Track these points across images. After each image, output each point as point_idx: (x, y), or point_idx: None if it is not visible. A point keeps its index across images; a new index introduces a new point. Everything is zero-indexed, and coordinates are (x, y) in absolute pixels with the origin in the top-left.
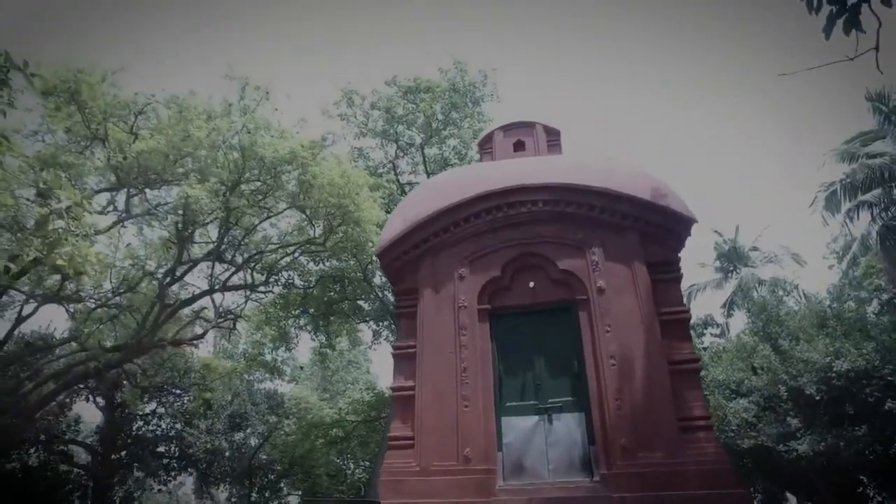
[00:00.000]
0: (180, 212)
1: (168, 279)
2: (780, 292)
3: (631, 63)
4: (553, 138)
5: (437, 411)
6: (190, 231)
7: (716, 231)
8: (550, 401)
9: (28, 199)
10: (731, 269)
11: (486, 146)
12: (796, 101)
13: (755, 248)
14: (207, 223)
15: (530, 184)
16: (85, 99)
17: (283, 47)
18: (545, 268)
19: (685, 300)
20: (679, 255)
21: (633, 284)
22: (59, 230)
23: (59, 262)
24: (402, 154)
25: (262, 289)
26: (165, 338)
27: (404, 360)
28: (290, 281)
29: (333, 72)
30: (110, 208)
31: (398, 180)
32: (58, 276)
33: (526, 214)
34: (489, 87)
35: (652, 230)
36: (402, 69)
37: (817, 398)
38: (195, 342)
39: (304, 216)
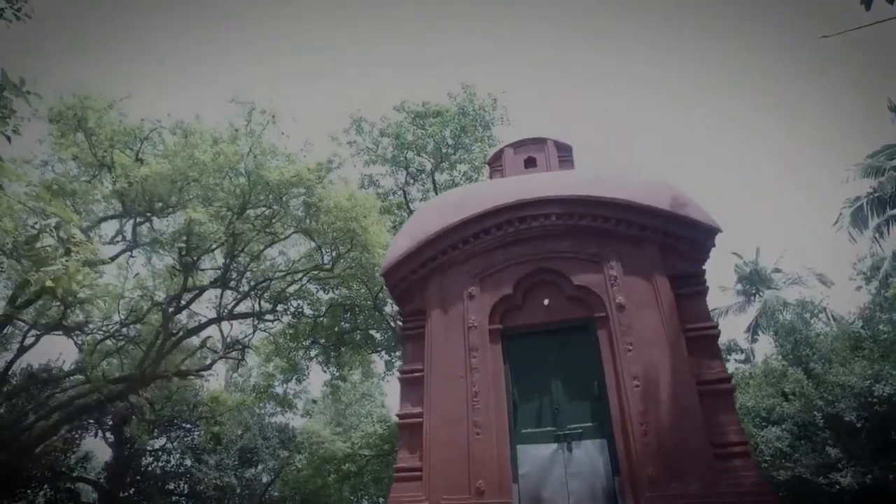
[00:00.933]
0: (184, 237)
1: (173, 307)
2: (807, 315)
3: (631, 63)
4: (564, 154)
5: (447, 439)
6: (195, 258)
7: (735, 253)
8: (569, 427)
9: (32, 226)
10: (754, 292)
11: (496, 164)
12: (795, 101)
13: (777, 270)
14: (213, 249)
15: (542, 197)
16: (92, 126)
17: (284, 47)
18: (560, 284)
19: None
20: (703, 266)
21: (656, 299)
22: (48, 248)
23: (48, 282)
24: (412, 181)
25: (270, 318)
26: (171, 369)
27: (411, 385)
28: (300, 310)
29: (333, 71)
30: (119, 238)
31: (409, 207)
32: (63, 306)
33: (538, 229)
34: (499, 111)
35: (672, 242)
36: (402, 69)
37: (858, 425)
38: (202, 373)
39: (310, 241)
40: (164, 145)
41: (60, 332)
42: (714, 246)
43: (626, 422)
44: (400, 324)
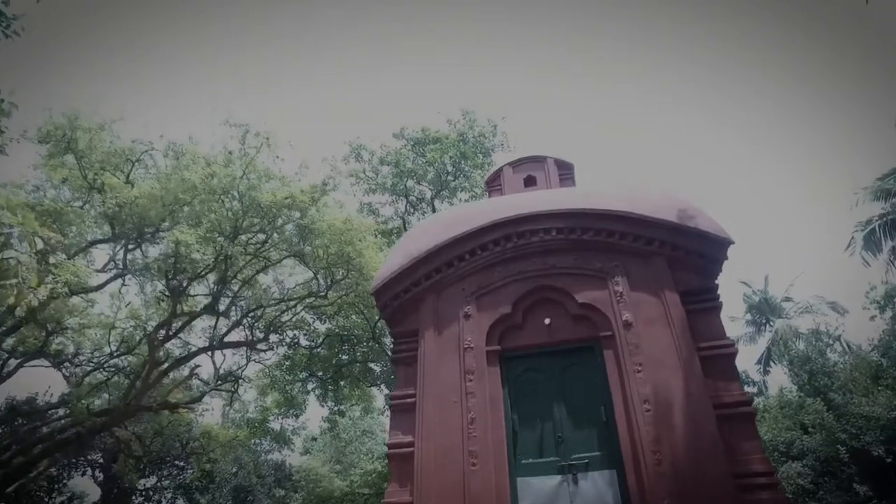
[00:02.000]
0: (171, 259)
1: (160, 335)
2: (822, 344)
3: (637, 81)
4: (566, 172)
5: (441, 471)
6: (184, 284)
7: (743, 282)
8: (575, 456)
9: (16, 250)
10: (764, 321)
11: (495, 183)
12: (806, 118)
13: (788, 299)
14: (203, 274)
15: (542, 211)
16: (82, 148)
17: (282, 68)
18: (562, 302)
19: None
20: (716, 281)
21: (666, 316)
22: (10, 260)
23: (10, 299)
24: (412, 209)
25: (262, 346)
26: (158, 401)
27: (402, 411)
28: (296, 340)
29: (333, 93)
30: (111, 266)
31: None
32: (44, 333)
33: (538, 244)
34: (499, 137)
35: (682, 255)
36: (399, 70)
37: (888, 460)
38: (192, 406)
39: (304, 266)
40: (157, 168)
41: (49, 364)
42: (727, 259)
43: (637, 450)
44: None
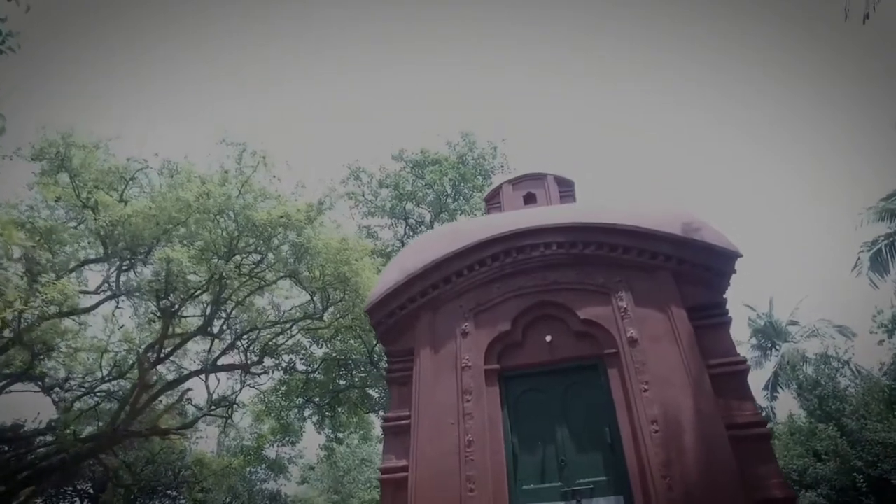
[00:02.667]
0: (161, 276)
1: (152, 357)
2: (829, 369)
3: (639, 95)
4: (566, 189)
5: (436, 497)
6: (176, 305)
7: (748, 305)
8: (579, 482)
9: (5, 269)
10: (770, 345)
11: (494, 201)
12: (810, 138)
13: (794, 322)
14: (196, 295)
15: (542, 225)
16: (76, 166)
17: (282, 87)
18: (564, 319)
19: None
20: (724, 296)
21: (673, 332)
22: None
23: None
24: (411, 232)
25: (257, 370)
26: (147, 426)
27: (396, 434)
28: (292, 365)
29: (334, 70)
30: (104, 287)
31: None
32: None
33: (538, 259)
34: (499, 159)
35: (688, 269)
36: (400, 70)
37: None
38: (184, 432)
39: (299, 287)
40: (152, 186)
41: (38, 389)
42: (735, 272)
43: (645, 474)
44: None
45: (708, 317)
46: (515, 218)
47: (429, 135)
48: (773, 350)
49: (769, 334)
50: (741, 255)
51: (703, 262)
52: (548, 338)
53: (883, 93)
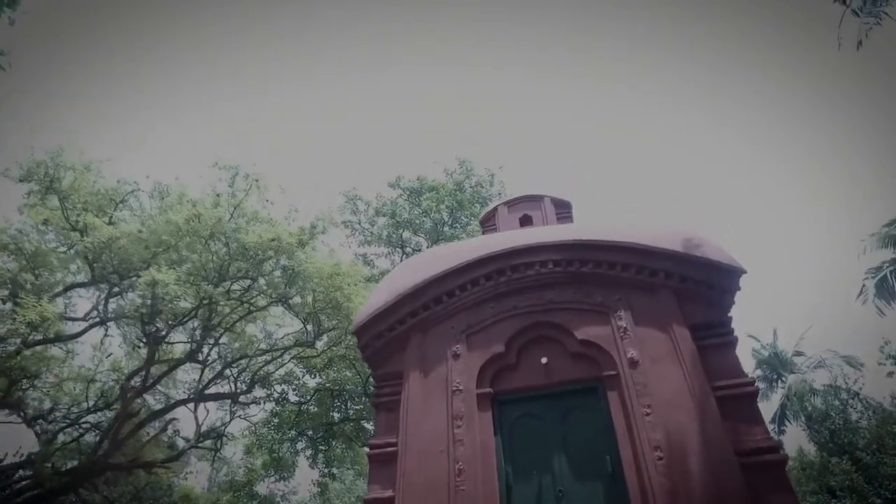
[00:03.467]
0: (147, 298)
1: (136, 385)
2: (838, 401)
3: (641, 109)
4: (563, 210)
5: None
6: (163, 331)
7: (752, 336)
8: None
9: None
10: (776, 377)
11: (489, 223)
12: (812, 163)
13: (799, 353)
14: (185, 321)
15: (537, 242)
16: (65, 188)
17: (278, 110)
18: (561, 340)
19: None
20: (729, 314)
21: (675, 353)
22: None
23: None
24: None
25: (246, 399)
26: (128, 459)
27: (382, 462)
28: (284, 395)
29: (333, 70)
30: (93, 314)
31: None
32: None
33: (533, 278)
34: (496, 187)
35: (690, 287)
36: (399, 70)
37: None
38: (169, 465)
39: (291, 314)
40: (142, 209)
41: (21, 421)
42: (739, 289)
43: None
44: None
45: (712, 336)
46: (509, 237)
47: (428, 135)
48: (780, 381)
49: (774, 365)
50: (745, 272)
51: (705, 279)
52: (543, 360)
53: (883, 94)
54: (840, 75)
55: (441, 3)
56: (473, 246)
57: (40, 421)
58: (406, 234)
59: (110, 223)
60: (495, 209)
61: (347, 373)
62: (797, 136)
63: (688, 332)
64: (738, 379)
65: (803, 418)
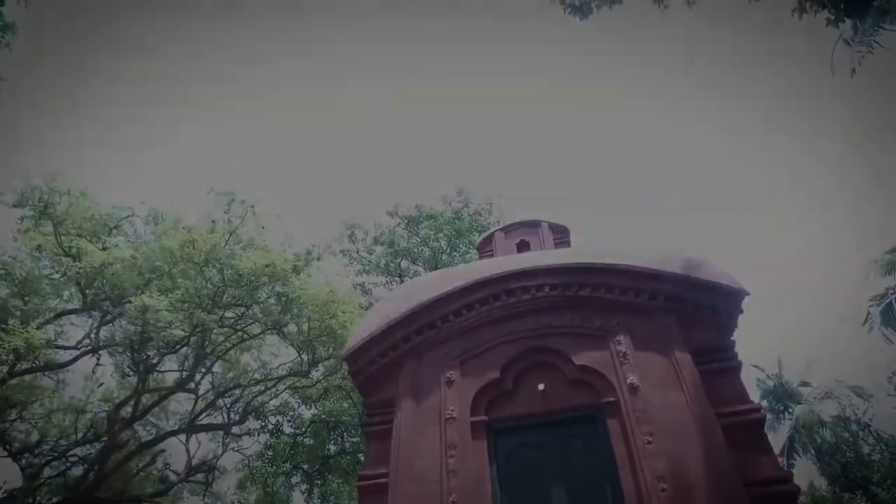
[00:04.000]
0: (138, 324)
1: (124, 416)
2: (848, 434)
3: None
4: (560, 236)
5: None
6: (155, 359)
7: (756, 366)
8: None
9: None
10: (782, 408)
11: (486, 249)
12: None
13: (805, 384)
14: (177, 349)
15: (534, 266)
16: (60, 214)
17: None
18: (558, 365)
19: None
20: (732, 337)
21: (677, 378)
22: None
23: None
24: None
25: (238, 430)
26: (114, 492)
27: (373, 495)
28: (279, 427)
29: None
30: (86, 342)
31: None
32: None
33: (529, 302)
34: (494, 215)
35: (691, 310)
36: (400, 70)
37: None
38: (157, 500)
39: (285, 342)
40: (136, 234)
41: (6, 455)
42: (742, 312)
43: None
44: None
45: (715, 360)
46: (505, 262)
47: (429, 160)
48: (786, 413)
49: (780, 396)
50: (747, 293)
51: (706, 302)
52: (540, 386)
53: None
54: (846, 100)
55: (440, 10)
56: (468, 271)
57: (26, 454)
58: (404, 263)
59: (104, 249)
60: (492, 235)
61: (344, 404)
62: (796, 135)
63: (689, 357)
64: (744, 405)
65: (813, 451)
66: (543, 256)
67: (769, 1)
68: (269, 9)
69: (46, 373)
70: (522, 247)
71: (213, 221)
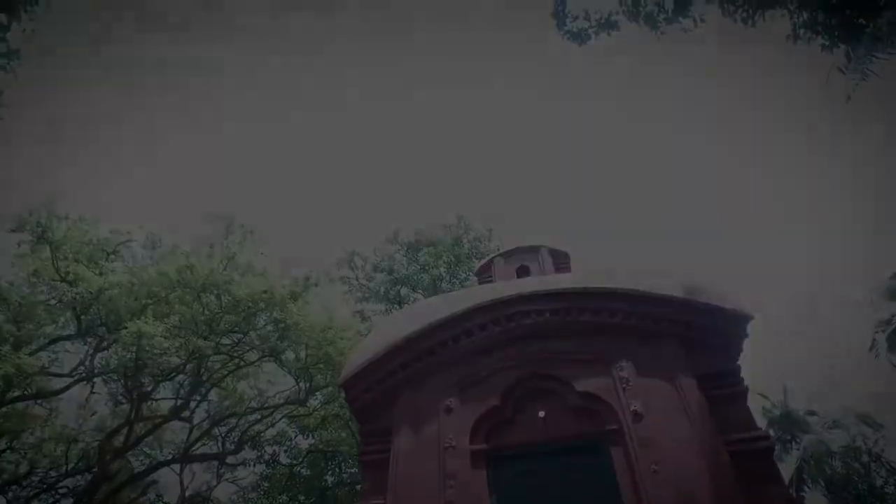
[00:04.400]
0: (133, 350)
1: (117, 445)
2: (858, 465)
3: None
4: (561, 261)
5: None
6: (149, 386)
7: (761, 394)
8: None
9: None
10: (789, 438)
11: (486, 275)
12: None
13: (812, 413)
14: (172, 376)
15: (534, 291)
16: (57, 239)
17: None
18: (559, 392)
19: None
20: (737, 362)
21: (681, 404)
22: None
23: None
24: None
25: (233, 460)
26: None
27: None
28: (275, 457)
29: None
30: (80, 369)
31: None
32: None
33: (530, 328)
34: (494, 242)
35: (695, 335)
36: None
37: None
38: None
39: (282, 370)
40: (134, 259)
41: None
42: (747, 336)
43: None
44: None
45: (720, 386)
46: (504, 287)
47: (427, 133)
48: (794, 443)
49: (787, 425)
50: (752, 317)
51: (711, 326)
52: (541, 413)
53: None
54: (850, 124)
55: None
56: (467, 296)
57: (14, 487)
58: (404, 291)
59: (100, 274)
60: (491, 261)
61: (342, 433)
62: (794, 136)
63: (694, 383)
64: (751, 433)
65: (822, 483)
66: (543, 281)
67: (769, 24)
68: (265, 39)
69: (39, 401)
70: (522, 272)
71: (211, 246)
